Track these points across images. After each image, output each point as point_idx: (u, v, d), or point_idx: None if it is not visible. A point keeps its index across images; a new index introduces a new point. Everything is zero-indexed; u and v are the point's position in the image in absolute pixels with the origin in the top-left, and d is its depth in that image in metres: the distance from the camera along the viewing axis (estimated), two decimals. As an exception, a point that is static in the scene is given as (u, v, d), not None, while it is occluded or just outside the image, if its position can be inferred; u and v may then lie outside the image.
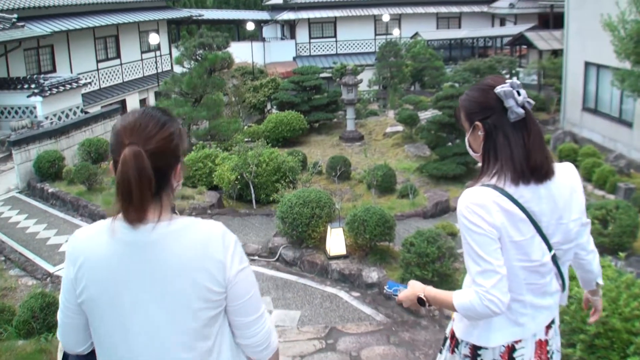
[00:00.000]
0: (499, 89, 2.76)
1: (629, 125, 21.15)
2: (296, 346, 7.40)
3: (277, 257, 11.40)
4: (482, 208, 2.70)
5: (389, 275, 9.91)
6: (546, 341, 3.01)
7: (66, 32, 28.71)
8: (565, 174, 2.90)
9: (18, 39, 24.57)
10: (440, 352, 3.30)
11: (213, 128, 21.71)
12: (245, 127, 28.11)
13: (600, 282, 3.30)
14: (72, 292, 2.39)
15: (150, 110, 2.39)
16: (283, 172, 16.38)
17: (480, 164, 2.96)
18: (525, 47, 38.36)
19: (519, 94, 2.75)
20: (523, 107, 2.76)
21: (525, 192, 2.76)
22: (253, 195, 16.06)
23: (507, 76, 21.65)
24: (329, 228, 10.71)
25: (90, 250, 2.34)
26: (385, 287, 3.55)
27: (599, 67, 23.13)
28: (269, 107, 34.03)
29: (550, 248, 2.83)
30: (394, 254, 10.52)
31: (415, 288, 3.05)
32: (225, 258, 2.34)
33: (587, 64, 24.07)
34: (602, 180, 17.77)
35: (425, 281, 3.58)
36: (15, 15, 24.64)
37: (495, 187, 2.75)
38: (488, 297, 2.66)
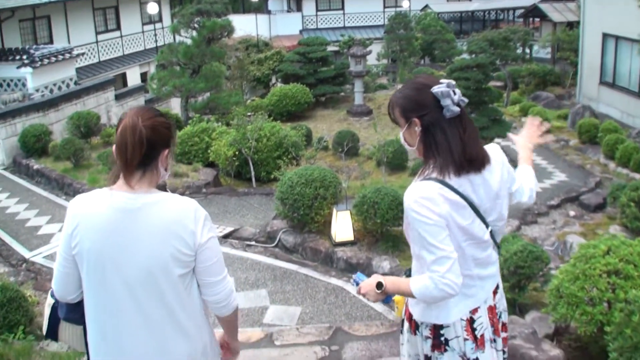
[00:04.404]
0: (436, 89, 2.95)
1: (650, 100, 20.02)
2: (295, 353, 6.23)
3: (276, 242, 10.25)
4: (429, 201, 2.89)
5: (403, 265, 8.74)
6: (495, 305, 3.22)
7: (63, 2, 27.46)
8: (494, 157, 3.14)
9: (11, 7, 23.41)
10: (402, 333, 3.42)
11: (212, 100, 20.46)
12: (248, 100, 26.91)
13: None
14: (68, 245, 2.82)
15: (151, 107, 2.89)
16: (285, 148, 15.23)
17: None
18: (538, 19, 37.45)
19: (454, 93, 2.94)
20: (458, 105, 2.95)
21: (464, 182, 2.98)
22: (252, 173, 14.89)
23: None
24: (334, 211, 9.61)
25: (87, 211, 2.79)
26: (353, 276, 3.42)
27: (617, 38, 22.21)
28: (273, 80, 32.85)
29: (487, 226, 3.08)
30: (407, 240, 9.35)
31: (376, 277, 3.19)
32: (196, 228, 2.78)
33: (605, 36, 23.07)
34: (625, 158, 16.48)
35: None
36: (6, -18, 23.34)
37: (437, 180, 2.94)
38: (444, 281, 2.84)
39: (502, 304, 3.30)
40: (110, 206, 2.76)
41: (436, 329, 3.13)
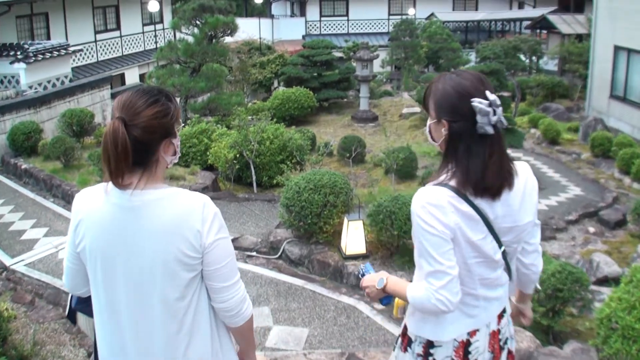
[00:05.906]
0: (476, 103, 2.69)
1: (663, 115, 19.46)
2: (303, 384, 5.40)
3: (279, 253, 9.39)
4: (437, 208, 2.70)
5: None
6: (498, 330, 3.03)
7: (62, -1, 26.71)
8: (522, 177, 2.90)
9: (7, 2, 22.70)
10: (393, 350, 3.27)
11: (212, 101, 19.71)
12: (250, 104, 26.23)
13: (538, 286, 3.38)
14: (73, 241, 2.76)
15: (145, 88, 2.68)
16: (289, 152, 14.51)
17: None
18: (545, 32, 36.91)
19: (494, 113, 2.70)
20: (495, 126, 2.71)
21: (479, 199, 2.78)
22: (254, 177, 14.15)
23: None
24: (345, 220, 8.78)
25: (88, 207, 2.71)
26: (360, 267, 3.25)
27: (629, 51, 21.57)
28: (275, 84, 32.15)
29: (500, 245, 2.87)
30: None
31: (382, 273, 3.07)
32: (203, 228, 2.61)
33: (617, 48, 22.46)
34: (642, 173, 15.73)
35: None
36: (0, -24, 22.58)
37: (451, 188, 2.74)
38: (437, 296, 2.69)
39: (508, 330, 3.14)
40: (109, 202, 2.64)
41: (427, 348, 2.97)
